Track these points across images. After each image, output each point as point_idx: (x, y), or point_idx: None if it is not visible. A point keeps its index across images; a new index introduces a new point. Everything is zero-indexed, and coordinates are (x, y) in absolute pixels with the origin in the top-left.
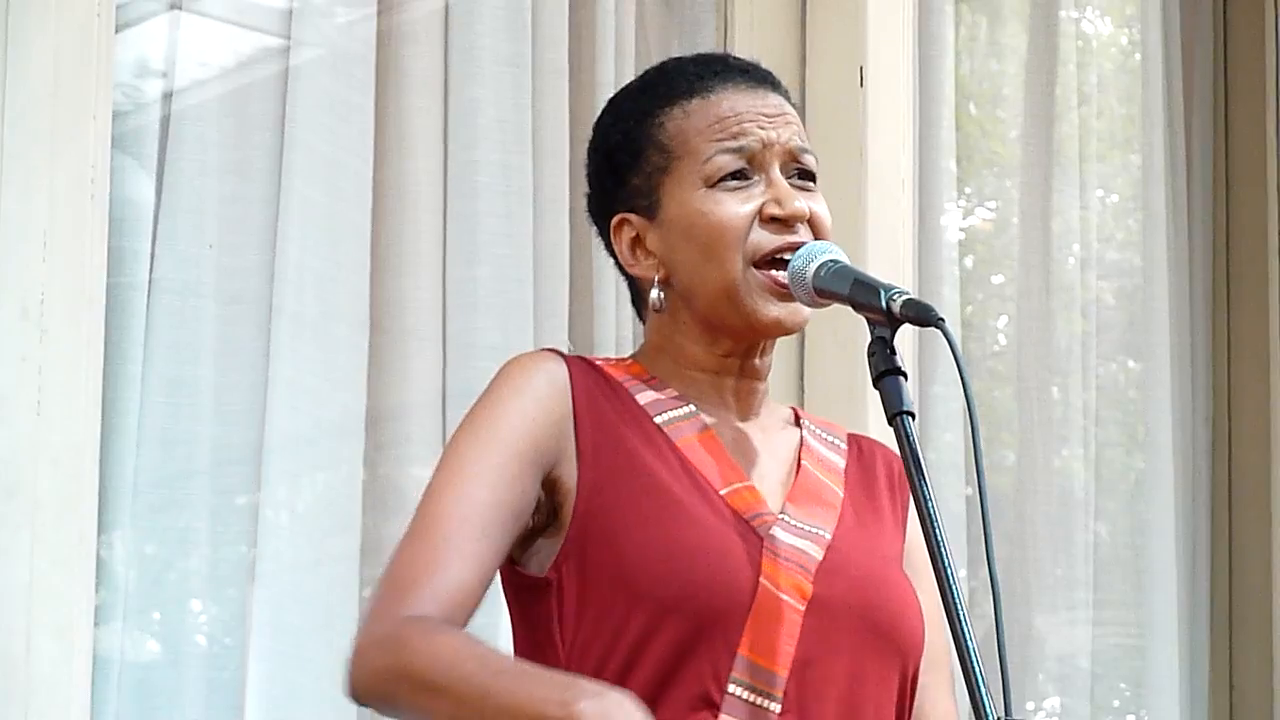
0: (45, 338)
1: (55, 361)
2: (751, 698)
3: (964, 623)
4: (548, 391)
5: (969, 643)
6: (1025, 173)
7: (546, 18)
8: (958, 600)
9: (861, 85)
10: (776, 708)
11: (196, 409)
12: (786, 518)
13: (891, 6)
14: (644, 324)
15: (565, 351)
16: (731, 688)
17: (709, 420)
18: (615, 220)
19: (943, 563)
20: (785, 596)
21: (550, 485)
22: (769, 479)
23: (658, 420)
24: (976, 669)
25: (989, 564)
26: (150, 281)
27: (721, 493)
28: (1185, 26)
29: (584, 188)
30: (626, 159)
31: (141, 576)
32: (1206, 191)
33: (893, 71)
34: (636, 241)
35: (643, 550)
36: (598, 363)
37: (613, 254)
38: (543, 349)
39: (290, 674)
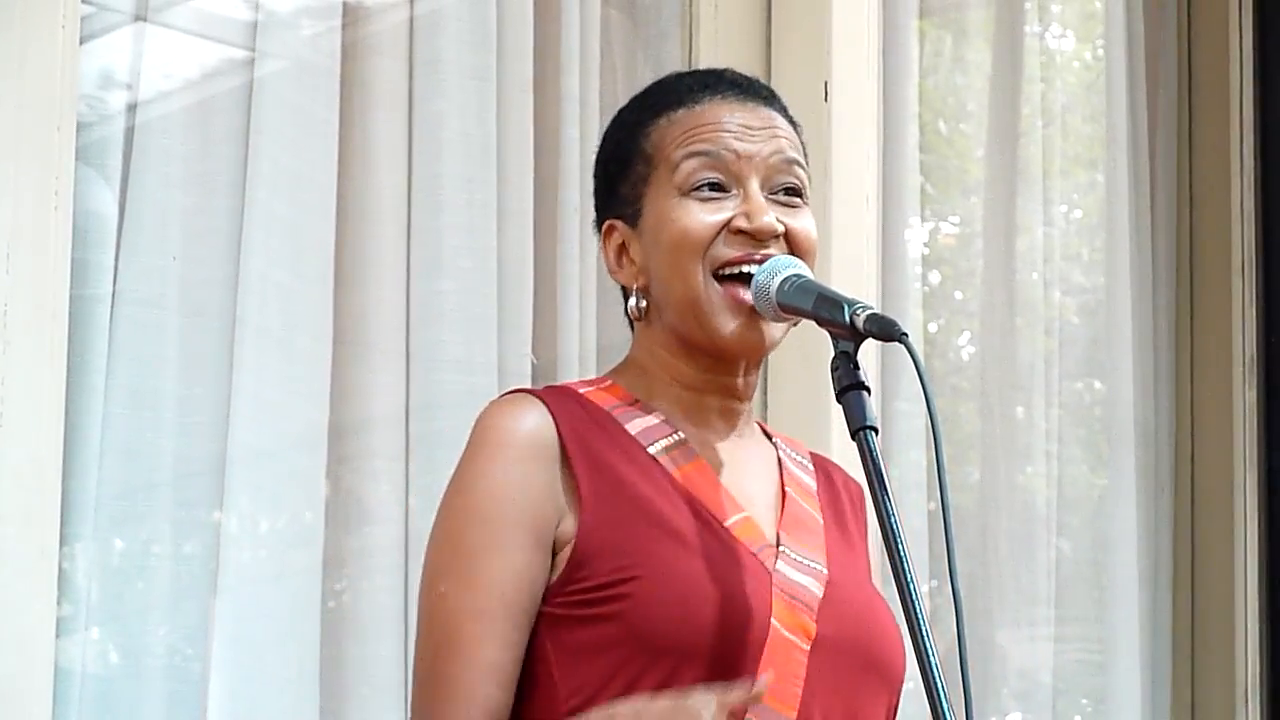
0: (8, 349)
1: (18, 373)
2: None
3: (926, 638)
4: (534, 452)
5: (931, 658)
6: (990, 189)
7: (511, 31)
8: (920, 616)
9: (826, 100)
10: None
11: (159, 421)
12: (786, 550)
13: (856, 22)
14: (632, 332)
15: (538, 391)
16: None
17: (697, 447)
18: (605, 226)
19: (905, 578)
20: (792, 636)
21: (554, 542)
22: (758, 505)
23: (651, 450)
24: (939, 684)
25: (951, 579)
26: (113, 293)
27: (727, 524)
28: (1149, 44)
29: (547, 201)
30: (616, 168)
31: (103, 588)
32: (1170, 210)
33: (857, 87)
34: (622, 249)
35: (653, 595)
36: (581, 391)
37: (605, 259)
38: (516, 392)
39: (252, 687)
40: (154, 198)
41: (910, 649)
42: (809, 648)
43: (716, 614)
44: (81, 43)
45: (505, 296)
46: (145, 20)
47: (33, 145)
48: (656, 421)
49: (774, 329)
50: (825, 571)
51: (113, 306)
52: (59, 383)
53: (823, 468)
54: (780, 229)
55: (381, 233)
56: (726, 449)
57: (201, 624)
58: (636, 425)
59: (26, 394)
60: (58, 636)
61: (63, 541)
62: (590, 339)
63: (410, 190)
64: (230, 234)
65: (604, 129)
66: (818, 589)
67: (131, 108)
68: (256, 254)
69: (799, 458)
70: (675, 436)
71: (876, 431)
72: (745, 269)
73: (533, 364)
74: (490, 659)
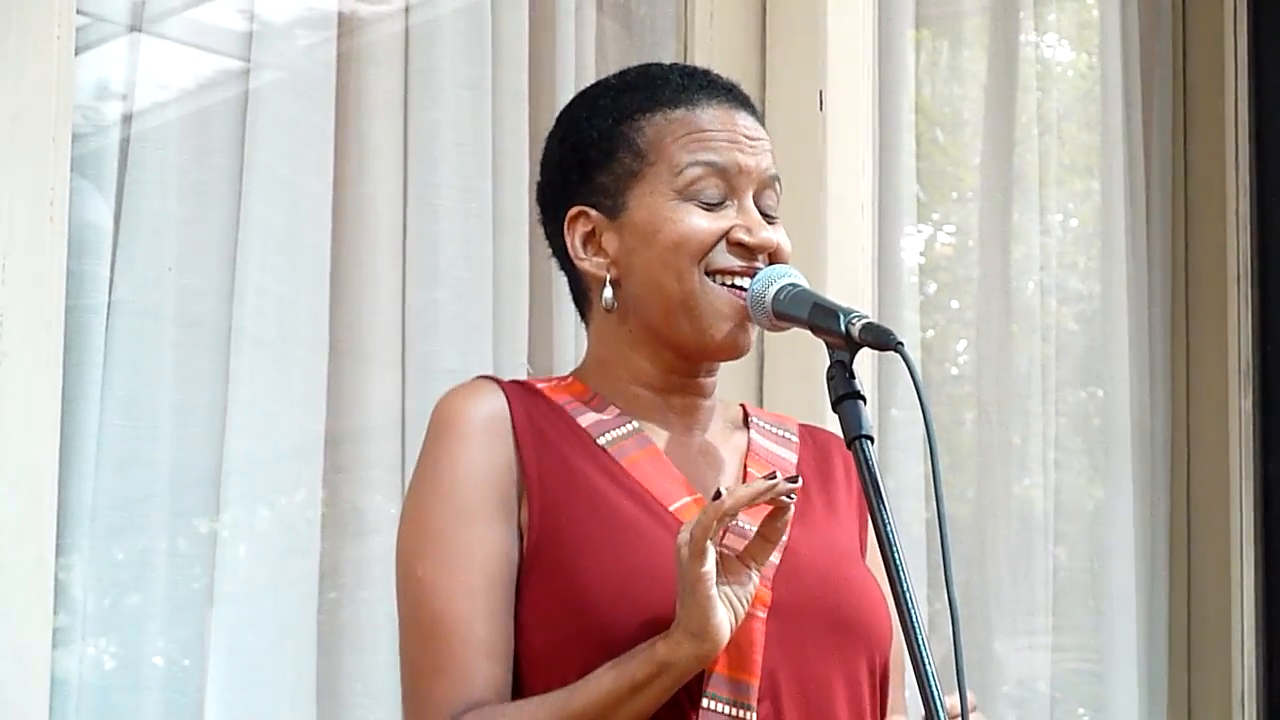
0: (4, 361)
1: (14, 384)
2: (728, 709)
3: (922, 647)
4: (493, 431)
5: (927, 667)
6: (985, 198)
7: (507, 42)
8: (916, 624)
9: (821, 109)
10: (753, 716)
11: (155, 431)
12: (741, 524)
13: (851, 30)
14: (586, 325)
15: (496, 379)
16: (706, 701)
17: (653, 436)
18: (572, 212)
19: (901, 587)
20: None
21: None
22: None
23: (600, 441)
24: (935, 693)
25: (948, 588)
26: (109, 304)
27: (671, 509)
28: (1145, 53)
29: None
30: (597, 156)
31: (100, 599)
32: (1166, 218)
33: (852, 96)
34: (590, 236)
35: (597, 580)
36: (538, 385)
37: (555, 244)
38: (476, 378)
39: (248, 696)
40: (149, 208)
41: (904, 641)
42: (765, 615)
43: (662, 595)
44: (77, 53)
45: (501, 306)
46: (140, 31)
47: (28, 156)
48: (610, 415)
49: (752, 336)
50: (783, 540)
51: (108, 317)
52: (55, 393)
53: (812, 438)
54: (775, 245)
55: (377, 243)
56: (684, 443)
57: (198, 634)
58: (589, 419)
59: (22, 405)
60: (54, 647)
61: (59, 552)
62: (585, 348)
63: (406, 200)
64: (226, 244)
65: (567, 109)
66: (774, 557)
67: (127, 118)
68: (252, 264)
69: (782, 433)
70: (629, 426)
71: (872, 440)
72: (738, 281)
73: (529, 373)
74: (483, 635)
